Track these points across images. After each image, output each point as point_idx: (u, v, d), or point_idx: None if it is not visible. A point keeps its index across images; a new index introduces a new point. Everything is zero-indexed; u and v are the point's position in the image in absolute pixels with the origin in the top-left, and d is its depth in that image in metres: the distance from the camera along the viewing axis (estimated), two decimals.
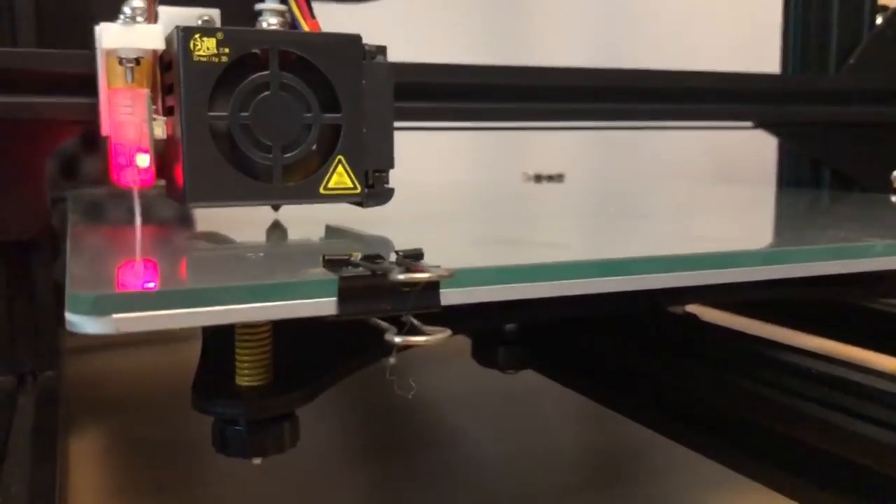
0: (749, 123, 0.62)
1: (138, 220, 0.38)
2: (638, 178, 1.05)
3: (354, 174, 0.35)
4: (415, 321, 0.26)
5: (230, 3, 0.39)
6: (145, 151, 0.35)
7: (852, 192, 0.64)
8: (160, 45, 0.35)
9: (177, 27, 0.33)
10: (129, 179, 0.35)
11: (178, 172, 0.34)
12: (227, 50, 0.33)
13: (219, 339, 0.31)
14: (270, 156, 0.34)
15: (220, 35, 0.33)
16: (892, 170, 0.63)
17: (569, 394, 0.47)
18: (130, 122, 0.35)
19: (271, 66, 0.34)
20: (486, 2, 0.96)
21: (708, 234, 0.42)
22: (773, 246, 0.35)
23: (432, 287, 0.25)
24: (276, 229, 0.40)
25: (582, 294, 0.28)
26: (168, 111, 0.36)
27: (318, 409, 0.32)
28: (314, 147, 0.35)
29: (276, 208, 0.41)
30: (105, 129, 0.37)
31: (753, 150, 0.72)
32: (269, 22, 0.36)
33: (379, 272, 0.25)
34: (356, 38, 0.35)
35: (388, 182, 0.36)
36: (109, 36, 0.34)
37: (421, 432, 0.59)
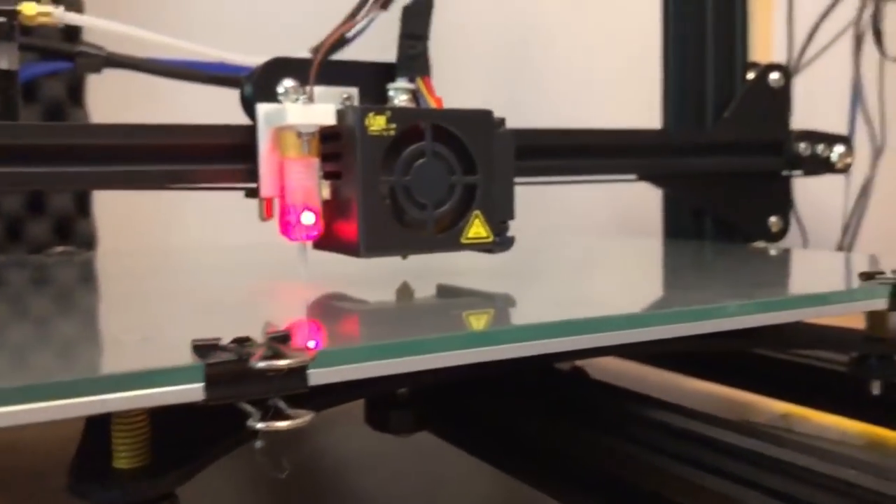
0: (633, 176, 0.66)
1: (305, 273, 0.42)
2: (546, 231, 1.13)
3: (488, 225, 0.42)
4: (281, 404, 0.26)
5: (365, 83, 0.45)
6: (314, 210, 0.41)
7: (733, 242, 0.69)
8: (333, 120, 0.40)
9: (355, 106, 0.40)
10: (298, 234, 0.41)
11: (345, 228, 0.40)
12: (394, 125, 0.40)
13: (97, 420, 0.29)
14: (425, 212, 0.41)
15: (389, 113, 0.40)
16: (771, 216, 0.69)
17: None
18: (301, 186, 0.40)
19: (427, 138, 0.40)
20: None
21: (581, 298, 0.43)
22: (639, 308, 0.36)
23: (298, 370, 0.26)
24: None
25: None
26: (329, 176, 0.41)
27: (206, 483, 0.31)
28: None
29: (404, 258, 0.46)
30: (266, 191, 0.42)
31: (652, 200, 0.75)
32: (400, 99, 0.44)
33: (244, 357, 0.26)
34: (489, 113, 0.42)
35: (508, 231, 0.43)
36: (294, 113, 0.40)
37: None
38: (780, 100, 0.69)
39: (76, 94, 0.92)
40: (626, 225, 1.17)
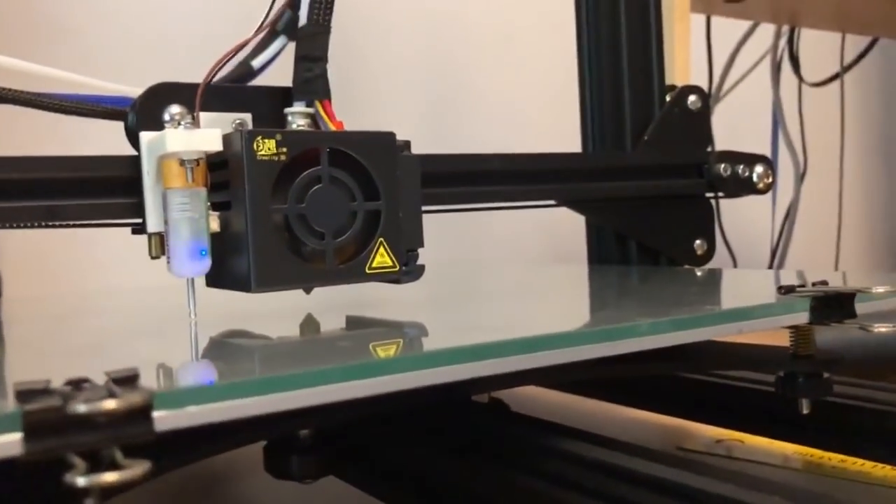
0: (551, 202, 0.64)
1: (193, 312, 0.39)
2: (473, 259, 1.10)
3: (394, 254, 0.40)
4: (118, 455, 0.22)
5: (259, 108, 0.43)
6: (201, 245, 0.38)
7: (658, 265, 0.68)
8: (219, 146, 0.38)
9: (241, 131, 0.37)
10: (187, 271, 0.38)
11: (236, 262, 0.38)
12: (284, 149, 0.37)
13: None
14: (323, 241, 0.38)
15: (278, 136, 0.37)
16: (695, 239, 0.68)
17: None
18: (186, 218, 0.37)
19: (322, 163, 0.38)
20: None
21: (483, 324, 0.41)
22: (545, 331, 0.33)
23: (139, 414, 0.22)
24: None
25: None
26: (218, 206, 0.39)
27: None
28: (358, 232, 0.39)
29: (308, 292, 0.43)
30: (152, 226, 0.39)
31: (580, 228, 0.73)
32: (298, 123, 0.41)
33: (71, 401, 0.22)
34: (391, 136, 0.40)
35: (417, 260, 0.41)
36: (174, 139, 0.37)
37: None
38: (699, 122, 0.69)
39: None
40: (554, 253, 1.16)
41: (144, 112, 0.40)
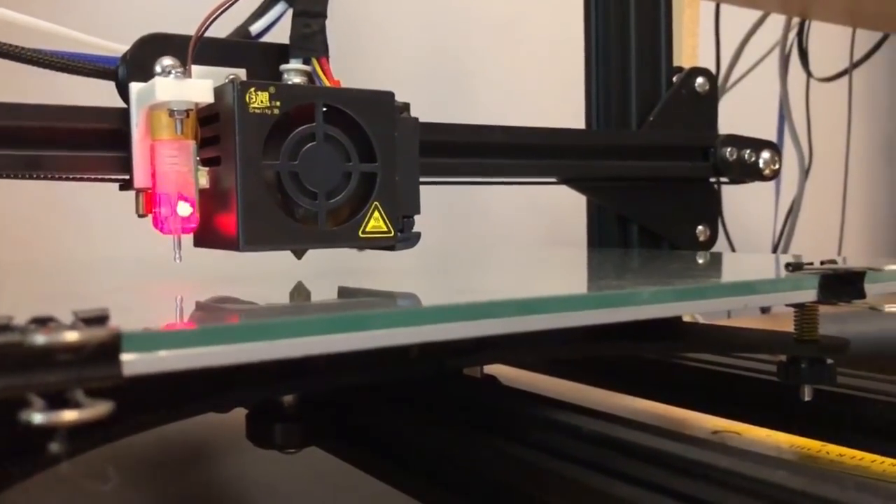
0: (553, 179, 0.62)
1: (178, 257, 0.38)
2: (468, 241, 1.09)
3: (389, 219, 0.38)
4: (81, 397, 0.20)
5: (254, 63, 0.41)
6: (189, 200, 0.36)
7: (660, 249, 0.66)
8: (210, 98, 0.36)
9: (233, 80, 0.35)
10: (173, 228, 0.36)
11: (225, 220, 0.36)
12: (278, 103, 0.36)
13: None
14: (316, 202, 0.37)
15: (272, 89, 0.35)
16: (698, 224, 0.66)
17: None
18: (175, 172, 0.36)
19: (317, 119, 0.36)
20: None
21: (477, 288, 0.40)
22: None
23: (105, 353, 0.21)
24: None
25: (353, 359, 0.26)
26: (208, 162, 0.37)
27: None
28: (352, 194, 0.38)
29: (299, 256, 0.41)
30: (139, 181, 0.38)
31: (579, 213, 0.72)
32: (294, 81, 0.39)
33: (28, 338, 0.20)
34: (390, 95, 0.38)
35: (413, 227, 0.40)
36: (163, 88, 0.35)
37: None
38: (706, 105, 0.68)
39: None
40: (553, 239, 1.14)
41: (135, 63, 0.39)
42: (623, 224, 0.67)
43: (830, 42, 1.31)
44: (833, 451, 0.49)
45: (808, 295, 0.36)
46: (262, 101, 0.35)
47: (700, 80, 0.67)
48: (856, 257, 1.47)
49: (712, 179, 0.68)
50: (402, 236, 0.39)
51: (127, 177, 0.39)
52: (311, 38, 0.40)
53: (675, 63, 0.68)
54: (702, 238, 0.67)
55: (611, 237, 0.68)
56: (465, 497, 0.37)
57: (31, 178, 0.39)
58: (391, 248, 0.39)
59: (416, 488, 0.39)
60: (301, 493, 0.49)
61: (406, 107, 0.39)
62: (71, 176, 0.40)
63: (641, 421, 0.33)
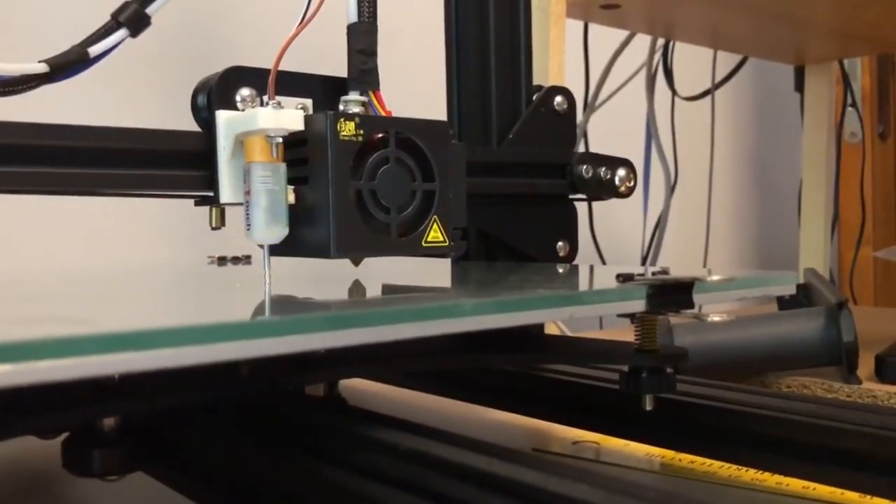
0: None
1: (267, 276, 0.43)
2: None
3: (445, 231, 0.45)
4: None
5: (317, 95, 0.48)
6: (280, 214, 0.42)
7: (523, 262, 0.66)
8: (301, 126, 0.42)
9: (326, 112, 0.42)
10: (266, 238, 0.42)
11: (310, 232, 0.43)
12: (361, 131, 0.42)
13: None
14: (389, 215, 0.43)
15: (357, 119, 0.42)
16: (558, 240, 0.67)
17: None
18: (268, 190, 0.41)
19: (391, 144, 0.43)
20: None
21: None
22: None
23: None
24: None
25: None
26: (293, 182, 0.43)
27: None
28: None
29: (356, 264, 0.46)
30: (226, 197, 0.44)
31: None
32: (353, 111, 0.45)
33: None
34: (446, 124, 0.46)
35: (460, 237, 0.47)
36: (265, 117, 0.41)
37: None
38: (565, 123, 0.69)
39: None
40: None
41: (220, 92, 0.44)
42: (485, 240, 0.67)
43: (694, 63, 1.35)
44: (685, 458, 0.50)
45: (637, 305, 0.37)
46: (349, 130, 0.42)
47: (559, 98, 0.68)
48: (720, 268, 1.53)
49: (571, 196, 0.69)
50: (454, 245, 0.46)
51: (210, 193, 0.44)
52: (368, 74, 0.47)
53: (544, 81, 0.70)
54: (562, 253, 0.68)
55: (474, 252, 0.67)
56: None
57: (128, 195, 0.45)
58: (445, 255, 0.46)
59: None
60: None
61: (455, 134, 0.47)
62: (161, 193, 0.45)
63: (462, 435, 0.33)
